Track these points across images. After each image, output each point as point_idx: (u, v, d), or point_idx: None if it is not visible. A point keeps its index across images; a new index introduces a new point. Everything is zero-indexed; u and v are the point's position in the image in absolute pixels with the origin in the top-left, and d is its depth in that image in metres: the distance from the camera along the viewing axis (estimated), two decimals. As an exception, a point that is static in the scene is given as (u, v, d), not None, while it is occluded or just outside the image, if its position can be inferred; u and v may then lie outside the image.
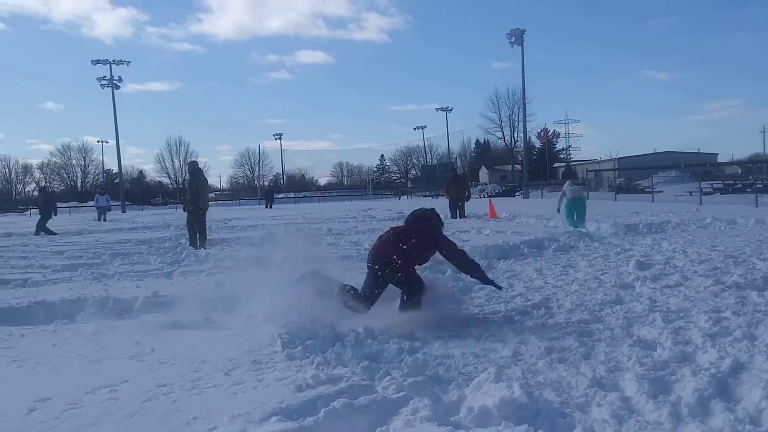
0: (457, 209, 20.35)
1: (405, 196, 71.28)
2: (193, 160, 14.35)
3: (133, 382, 3.99)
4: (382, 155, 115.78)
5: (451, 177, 21.62)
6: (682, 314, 5.58)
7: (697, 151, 73.68)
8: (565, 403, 3.70)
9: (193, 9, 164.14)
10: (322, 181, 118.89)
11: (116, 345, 5.11)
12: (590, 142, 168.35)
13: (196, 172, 13.86)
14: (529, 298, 6.73)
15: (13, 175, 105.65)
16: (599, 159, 78.52)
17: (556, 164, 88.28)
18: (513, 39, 52.87)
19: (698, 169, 40.45)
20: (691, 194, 31.53)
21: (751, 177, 34.98)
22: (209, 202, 14.84)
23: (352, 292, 5.88)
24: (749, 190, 29.87)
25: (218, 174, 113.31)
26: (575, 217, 14.91)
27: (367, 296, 5.87)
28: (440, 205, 28.14)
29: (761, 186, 28.98)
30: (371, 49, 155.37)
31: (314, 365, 4.20)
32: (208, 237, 13.86)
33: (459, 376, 4.20)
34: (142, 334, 5.50)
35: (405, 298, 5.90)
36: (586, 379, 4.01)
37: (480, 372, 4.11)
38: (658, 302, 6.19)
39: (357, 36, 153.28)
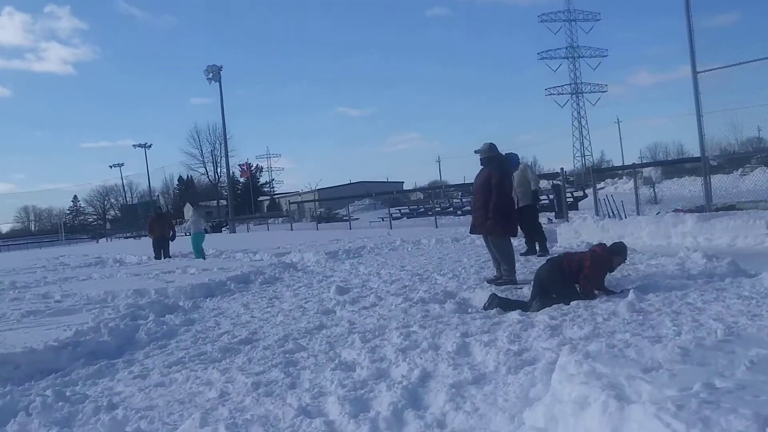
0: (161, 249, 19.63)
1: (104, 239, 66.50)
2: None
3: None
4: (75, 196, 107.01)
5: (153, 216, 20.81)
6: (377, 333, 5.98)
7: (386, 180, 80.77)
8: (274, 437, 3.73)
9: None
10: (4, 228, 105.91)
11: None
12: (292, 174, 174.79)
13: None
14: (236, 335, 6.69)
15: None
16: (301, 191, 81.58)
17: (261, 198, 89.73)
18: (210, 75, 52.58)
19: (387, 197, 43.99)
20: (383, 220, 34.24)
21: (431, 202, 39.06)
22: None
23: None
24: (430, 213, 33.34)
25: None
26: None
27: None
28: (144, 245, 26.75)
29: (439, 209, 32.47)
30: (54, 80, 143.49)
31: (-9, 442, 3.69)
32: None
33: (163, 426, 4.01)
34: None
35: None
36: (293, 410, 4.09)
37: (186, 419, 3.98)
38: (357, 324, 6.57)
39: (36, 67, 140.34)
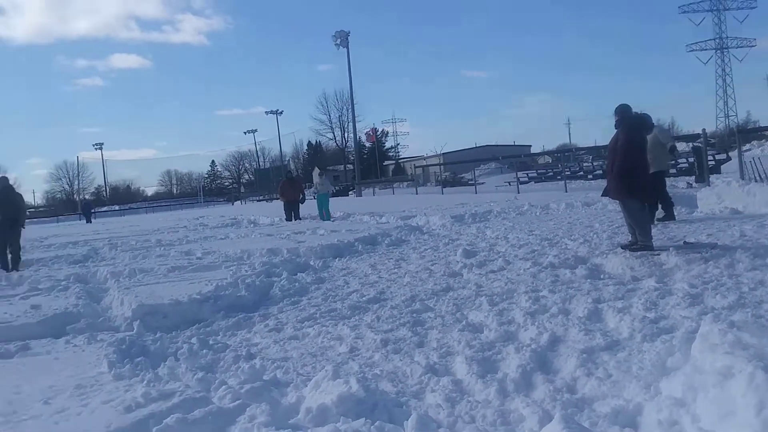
0: (292, 211, 20.38)
1: (239, 202, 69.88)
2: (3, 176, 13.07)
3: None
4: (213, 161, 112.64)
5: (284, 180, 21.57)
6: (505, 296, 5.93)
7: (513, 143, 79.03)
8: (401, 392, 3.81)
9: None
10: (150, 191, 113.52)
11: None
12: (417, 139, 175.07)
13: (7, 188, 12.69)
14: (365, 294, 6.85)
15: None
16: (426, 155, 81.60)
17: (386, 162, 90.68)
18: (338, 41, 53.52)
19: (515, 161, 43.18)
20: (509, 184, 33.71)
21: (560, 165, 37.96)
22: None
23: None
24: (559, 177, 32.44)
25: (31, 189, 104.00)
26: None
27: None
28: (276, 207, 27.86)
29: (569, 173, 31.55)
30: (190, 51, 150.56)
31: (144, 383, 3.99)
32: (21, 258, 12.74)
33: (297, 377, 4.18)
34: (-55, 369, 4.94)
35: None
36: (420, 367, 4.15)
37: (318, 371, 4.12)
38: (484, 287, 6.53)
39: (174, 38, 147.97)
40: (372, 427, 2.92)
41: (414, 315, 5.65)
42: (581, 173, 34.37)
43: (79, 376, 4.31)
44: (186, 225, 23.33)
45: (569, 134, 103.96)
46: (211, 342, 5.27)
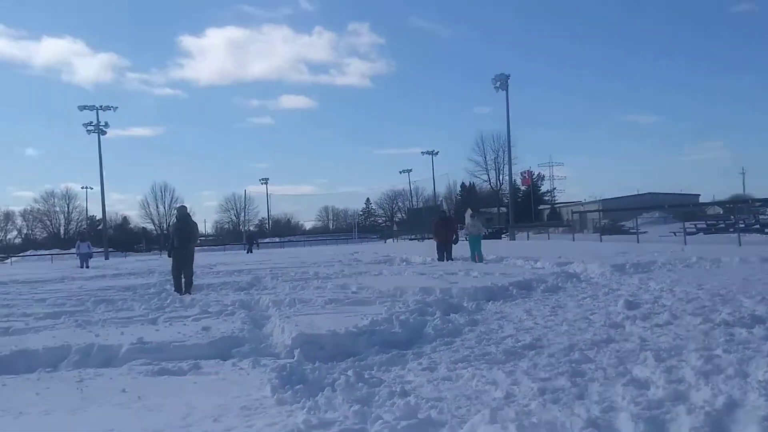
0: (445, 251, 20.45)
1: (391, 239, 71.27)
2: (182, 205, 14.30)
3: (120, 431, 3.89)
4: (368, 199, 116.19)
5: (438, 220, 21.74)
6: (673, 353, 5.55)
7: (679, 192, 74.67)
8: (561, 445, 3.65)
9: (174, 54, 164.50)
10: (308, 225, 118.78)
11: (102, 393, 5.00)
12: (574, 184, 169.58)
13: (185, 216, 13.84)
14: (520, 339, 6.68)
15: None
16: (583, 201, 79.19)
17: (541, 206, 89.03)
18: (498, 84, 53.74)
19: (681, 210, 40.82)
20: (675, 234, 31.80)
21: (732, 217, 35.35)
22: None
23: None
24: (731, 230, 30.16)
25: (203, 219, 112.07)
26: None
27: None
28: (427, 247, 28.13)
29: (743, 226, 29.25)
30: (353, 93, 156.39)
31: (305, 410, 4.13)
32: (193, 283, 13.74)
33: (452, 418, 4.13)
34: (128, 381, 5.39)
35: None
36: (581, 420, 3.96)
37: (473, 414, 4.06)
38: (649, 341, 6.16)
39: (339, 81, 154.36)
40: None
41: (573, 365, 5.42)
42: (757, 226, 31.74)
43: (245, 398, 4.53)
44: (341, 260, 24.10)
45: (743, 184, 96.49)
46: (366, 376, 5.35)
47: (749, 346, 5.59)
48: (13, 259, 69.53)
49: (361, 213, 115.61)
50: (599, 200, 69.50)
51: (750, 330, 6.18)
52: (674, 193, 71.74)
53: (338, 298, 10.36)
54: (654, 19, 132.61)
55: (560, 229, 52.60)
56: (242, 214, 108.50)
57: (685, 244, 24.62)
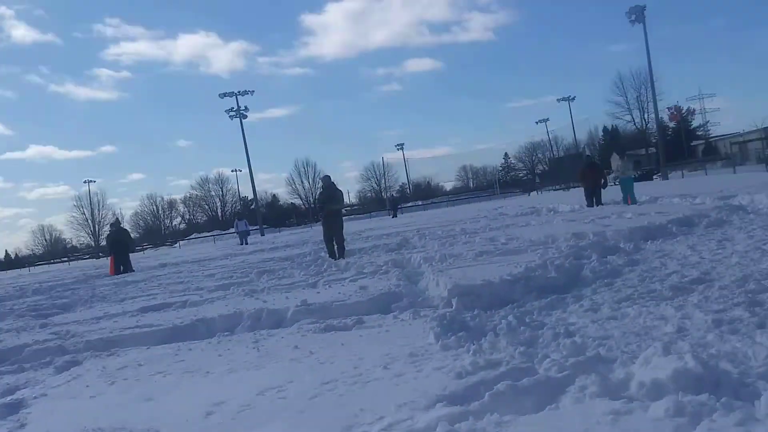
0: (594, 197, 19.80)
1: (535, 192, 69.85)
2: (326, 175, 14.86)
3: (298, 382, 4.14)
4: (506, 153, 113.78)
5: (585, 166, 21.06)
6: None
7: None
8: (745, 373, 3.44)
9: (298, 34, 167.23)
10: (448, 186, 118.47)
11: (276, 350, 5.33)
12: (730, 114, 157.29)
13: (330, 185, 14.35)
14: (686, 275, 6.35)
15: (160, 211, 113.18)
16: (743, 131, 73.19)
17: (695, 142, 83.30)
18: (633, 17, 50.70)
19: None
20: None
21: None
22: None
23: None
24: None
25: (346, 190, 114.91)
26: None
27: None
28: (575, 195, 27.31)
29: None
30: (478, 48, 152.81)
31: (470, 353, 4.18)
32: (345, 248, 14.23)
33: (622, 354, 4.01)
34: (298, 339, 5.71)
35: None
36: (766, 348, 3.72)
37: (644, 350, 3.92)
38: (835, 266, 5.66)
39: (462, 38, 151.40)
40: (718, 403, 2.69)
41: (749, 295, 5.08)
42: None
43: (411, 346, 4.66)
44: (486, 215, 23.99)
45: None
46: (527, 320, 5.32)
47: None
48: (181, 242, 75.51)
49: (501, 168, 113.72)
50: (762, 128, 63.99)
51: None
52: None
53: (488, 250, 10.32)
54: None
55: (719, 163, 49.09)
56: (383, 181, 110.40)
57: None
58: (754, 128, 67.18)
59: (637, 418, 2.68)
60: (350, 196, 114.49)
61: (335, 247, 13.95)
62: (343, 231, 14.34)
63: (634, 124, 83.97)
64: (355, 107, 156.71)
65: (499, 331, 4.88)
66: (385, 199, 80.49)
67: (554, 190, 65.06)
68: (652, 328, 4.66)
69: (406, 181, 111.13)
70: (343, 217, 15.35)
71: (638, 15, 50.42)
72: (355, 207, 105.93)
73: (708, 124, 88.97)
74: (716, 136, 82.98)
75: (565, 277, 7.17)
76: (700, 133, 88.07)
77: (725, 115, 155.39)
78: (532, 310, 5.90)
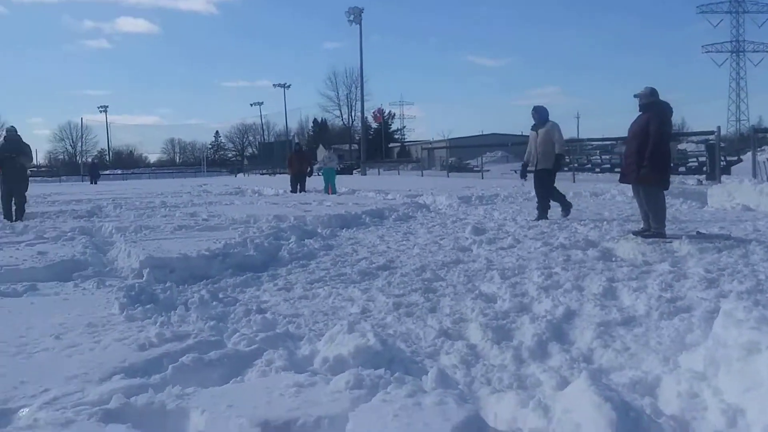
0: (298, 184, 20.39)
1: (241, 174, 69.72)
2: (11, 126, 13.06)
3: (-53, 352, 3.55)
4: (217, 132, 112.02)
5: (293, 153, 21.60)
6: (517, 271, 5.89)
7: (520, 133, 78.62)
8: (416, 352, 3.78)
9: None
10: (153, 158, 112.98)
11: None
12: (423, 123, 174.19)
13: (16, 138, 12.63)
14: (374, 261, 6.81)
15: None
16: (432, 139, 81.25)
17: (392, 144, 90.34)
18: (351, 17, 53.14)
19: (522, 150, 42.82)
20: (515, 172, 33.49)
21: (568, 157, 37.71)
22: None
23: None
24: (566, 168, 32.24)
25: (34, 150, 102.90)
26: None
27: None
28: (280, 181, 27.81)
29: (577, 166, 31.34)
30: (199, 20, 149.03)
31: (157, 324, 3.96)
32: (26, 210, 12.69)
33: (310, 332, 4.15)
34: (-47, 304, 4.92)
35: None
36: (434, 330, 4.13)
37: (330, 328, 4.09)
38: (495, 262, 6.49)
39: (183, 5, 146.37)
40: (392, 377, 2.89)
41: (425, 283, 5.61)
42: (589, 165, 34.12)
43: (90, 316, 4.27)
44: (189, 191, 23.33)
45: (578, 128, 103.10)
46: (221, 296, 5.25)
47: (584, 265, 6.06)
48: None
49: (210, 146, 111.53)
50: (447, 139, 71.70)
51: (584, 252, 6.67)
52: (515, 134, 75.44)
53: (188, 224, 10.00)
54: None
55: (410, 165, 53.75)
56: (79, 144, 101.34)
57: (526, 179, 26.05)
58: (441, 138, 75.21)
59: (319, 390, 2.76)
60: (38, 156, 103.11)
61: (13, 208, 12.36)
62: (27, 191, 12.78)
63: (342, 119, 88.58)
64: (53, 58, 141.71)
65: (191, 305, 4.73)
66: (81, 164, 73.97)
67: (261, 174, 65.56)
68: (339, 308, 4.89)
69: (107, 148, 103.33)
70: (29, 177, 13.65)
71: (356, 16, 52.99)
72: (43, 168, 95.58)
73: (405, 129, 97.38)
74: (410, 141, 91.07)
75: (263, 256, 7.22)
76: (397, 137, 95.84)
77: (419, 123, 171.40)
78: (226, 286, 5.84)
